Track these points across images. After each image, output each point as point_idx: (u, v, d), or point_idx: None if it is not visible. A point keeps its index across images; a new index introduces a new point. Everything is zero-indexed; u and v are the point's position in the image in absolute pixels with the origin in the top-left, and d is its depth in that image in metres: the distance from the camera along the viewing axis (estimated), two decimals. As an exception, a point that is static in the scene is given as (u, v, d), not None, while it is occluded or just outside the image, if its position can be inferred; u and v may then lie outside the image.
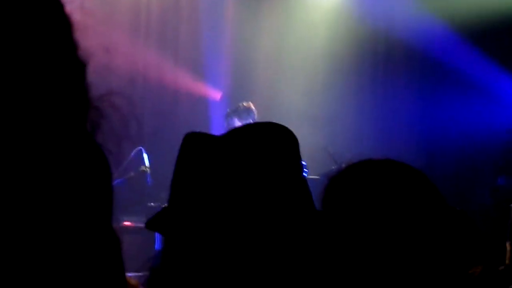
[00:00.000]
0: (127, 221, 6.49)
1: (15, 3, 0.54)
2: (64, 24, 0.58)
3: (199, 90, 8.24)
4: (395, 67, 8.42)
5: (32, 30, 0.54)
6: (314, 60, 8.25)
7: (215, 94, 8.33)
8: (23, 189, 0.52)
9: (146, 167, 6.43)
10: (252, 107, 6.54)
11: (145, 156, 6.46)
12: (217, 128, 7.42)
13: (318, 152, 7.36)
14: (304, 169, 6.17)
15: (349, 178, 1.35)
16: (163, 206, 1.34)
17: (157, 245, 6.05)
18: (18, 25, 0.53)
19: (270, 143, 1.30)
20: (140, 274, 1.37)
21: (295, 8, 8.36)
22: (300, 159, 1.34)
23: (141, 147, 6.46)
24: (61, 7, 0.58)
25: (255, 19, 8.18)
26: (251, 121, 6.44)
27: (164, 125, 7.86)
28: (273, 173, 1.27)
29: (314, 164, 6.91)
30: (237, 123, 6.37)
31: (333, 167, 6.54)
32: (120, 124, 0.62)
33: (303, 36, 8.34)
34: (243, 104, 6.54)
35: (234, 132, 1.32)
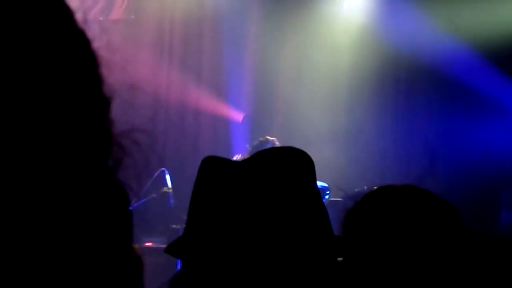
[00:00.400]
0: (149, 242, 6.50)
1: (42, 38, 0.55)
2: (90, 59, 0.60)
3: (222, 111, 8.27)
4: (417, 87, 8.39)
5: (58, 66, 0.55)
6: (336, 80, 8.25)
7: (237, 116, 8.36)
8: (42, 221, 0.53)
9: (168, 188, 6.45)
10: (271, 139, 6.59)
11: (168, 177, 6.49)
12: (239, 149, 7.43)
13: (339, 172, 7.34)
14: (326, 191, 6.14)
15: (371, 205, 1.35)
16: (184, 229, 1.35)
17: (179, 267, 6.04)
18: (45, 61, 0.55)
19: (287, 168, 1.29)
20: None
21: (317, 29, 8.37)
22: (316, 183, 1.34)
23: (164, 168, 6.49)
24: (87, 42, 0.60)
25: (277, 41, 8.21)
26: None
27: (186, 146, 7.89)
28: (291, 199, 1.26)
29: (337, 182, 6.88)
30: None
31: (355, 189, 6.52)
32: (141, 161, 0.63)
33: (325, 57, 8.34)
34: (268, 138, 6.60)
35: (252, 157, 1.32)
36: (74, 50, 0.58)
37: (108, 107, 0.60)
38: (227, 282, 1.21)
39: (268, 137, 6.70)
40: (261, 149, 5.44)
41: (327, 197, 6.53)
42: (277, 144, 6.70)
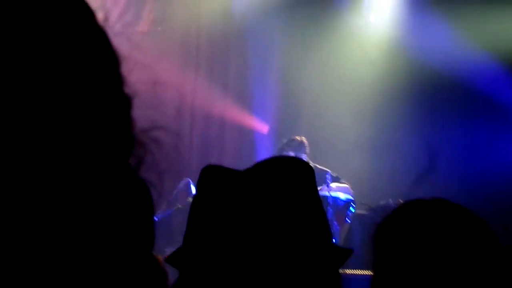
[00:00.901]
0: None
1: (64, 37, 0.55)
2: (111, 58, 0.60)
3: (247, 122, 8.29)
4: (444, 98, 8.32)
5: (79, 65, 0.55)
6: (362, 92, 8.21)
7: (262, 127, 8.37)
8: (65, 221, 0.53)
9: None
10: (305, 141, 6.72)
11: (193, 187, 6.50)
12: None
13: (365, 183, 7.30)
14: (352, 204, 6.12)
15: (401, 220, 1.33)
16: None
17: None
18: (65, 59, 0.55)
19: (287, 178, 1.28)
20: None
21: (343, 41, 8.36)
22: (317, 193, 1.32)
23: (189, 179, 6.51)
24: (108, 41, 0.60)
25: (302, 53, 8.21)
26: (304, 154, 6.61)
27: (211, 156, 7.91)
28: (290, 208, 1.25)
29: (362, 193, 6.85)
30: (291, 155, 6.55)
31: (380, 202, 6.48)
32: (162, 158, 0.63)
33: (350, 69, 8.33)
34: (296, 138, 6.75)
35: (253, 166, 1.31)
36: (95, 49, 0.58)
37: (129, 106, 0.60)
38: None
39: (297, 137, 6.78)
40: (287, 148, 5.53)
41: (352, 210, 6.50)
42: (305, 142, 6.75)
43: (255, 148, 8.22)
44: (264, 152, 7.85)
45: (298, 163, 1.33)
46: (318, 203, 1.30)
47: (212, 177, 1.27)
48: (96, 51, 0.57)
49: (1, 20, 0.52)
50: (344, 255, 1.29)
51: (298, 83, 8.29)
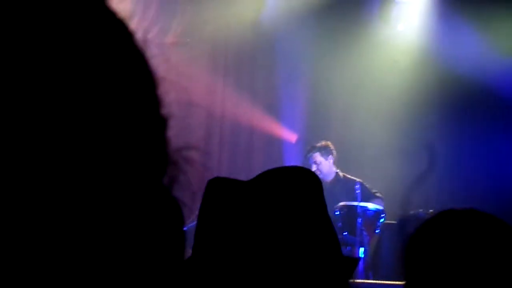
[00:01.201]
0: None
1: (103, 57, 0.56)
2: (149, 79, 0.61)
3: (275, 131, 8.30)
4: (474, 106, 8.25)
5: (118, 86, 0.56)
6: (391, 100, 8.17)
7: (290, 136, 8.36)
8: (101, 237, 0.54)
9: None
10: (331, 146, 6.87)
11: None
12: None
13: (394, 191, 7.25)
14: (381, 215, 6.07)
15: (434, 231, 1.32)
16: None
17: None
18: (105, 80, 0.56)
19: (293, 188, 1.27)
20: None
21: (371, 50, 8.34)
22: (324, 203, 1.31)
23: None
24: (146, 62, 0.61)
25: (330, 62, 8.20)
26: (331, 158, 6.66)
27: (239, 166, 7.93)
28: (297, 219, 1.24)
29: (392, 201, 6.81)
30: (319, 157, 6.78)
31: (411, 212, 6.42)
32: (195, 179, 0.64)
33: (379, 77, 8.30)
34: (322, 142, 6.89)
35: (258, 177, 1.31)
36: (133, 70, 0.59)
37: (165, 127, 0.61)
38: None
39: (323, 142, 6.86)
40: (314, 151, 5.54)
41: (382, 220, 6.45)
42: (331, 146, 6.79)
43: (284, 157, 8.21)
44: (293, 162, 7.84)
45: (304, 172, 1.32)
46: (324, 213, 1.29)
47: (218, 189, 1.27)
48: (135, 72, 0.58)
49: (41, 40, 0.53)
50: (351, 264, 1.28)
51: (327, 92, 8.28)
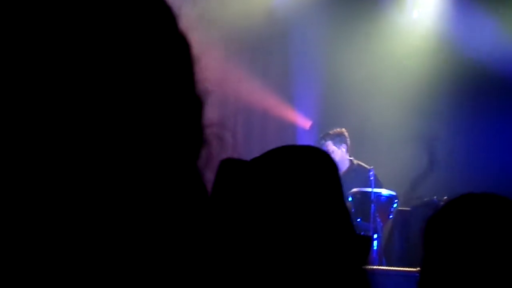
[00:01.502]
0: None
1: (146, 38, 0.57)
2: (189, 61, 0.62)
3: (289, 118, 8.28)
4: (490, 93, 8.19)
5: (158, 68, 0.57)
6: (407, 87, 8.13)
7: (304, 122, 8.35)
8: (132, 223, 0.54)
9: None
10: (345, 133, 6.64)
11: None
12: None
13: (409, 179, 7.23)
14: (394, 200, 6.03)
15: (454, 214, 1.31)
16: None
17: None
18: (146, 60, 0.56)
19: (307, 168, 1.26)
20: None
21: (386, 36, 8.29)
22: (340, 184, 1.30)
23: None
24: (188, 45, 0.62)
25: (345, 48, 8.16)
26: (344, 146, 6.55)
27: (253, 154, 7.92)
28: (312, 200, 1.23)
29: (408, 188, 6.79)
30: (331, 146, 6.56)
31: (425, 199, 6.40)
32: (222, 156, 0.64)
33: (393, 64, 8.26)
34: (336, 129, 6.66)
35: (270, 156, 1.30)
36: (175, 52, 0.60)
37: (201, 108, 0.62)
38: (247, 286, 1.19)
39: (337, 129, 6.67)
40: (327, 138, 5.41)
41: (395, 205, 6.43)
42: (345, 134, 6.66)
43: (297, 144, 8.19)
44: (306, 148, 7.83)
45: (320, 153, 1.32)
46: (339, 194, 1.28)
47: (231, 169, 1.27)
48: (177, 52, 0.59)
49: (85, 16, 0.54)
50: (366, 243, 1.28)
51: (341, 79, 8.25)
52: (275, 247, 1.19)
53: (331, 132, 6.71)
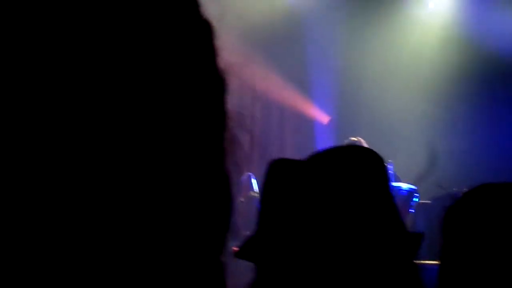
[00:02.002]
0: (236, 246, 6.56)
1: (172, 32, 0.57)
2: (212, 48, 0.62)
3: (307, 113, 8.27)
4: (504, 84, 8.14)
5: (181, 57, 0.56)
6: (423, 79, 8.10)
7: (323, 117, 8.33)
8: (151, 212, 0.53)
9: (255, 192, 6.49)
10: (363, 141, 6.57)
11: (254, 181, 6.52)
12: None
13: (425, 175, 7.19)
14: (415, 194, 5.99)
15: (474, 203, 1.30)
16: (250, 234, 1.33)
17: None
18: (169, 51, 0.56)
19: (357, 166, 1.26)
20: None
21: (402, 29, 8.27)
22: (388, 182, 1.30)
23: (249, 173, 6.54)
24: (210, 31, 0.62)
25: (362, 41, 8.14)
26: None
27: (271, 150, 7.93)
28: (361, 198, 1.23)
29: (425, 182, 6.76)
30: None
31: (445, 192, 6.36)
32: (247, 146, 0.63)
33: (410, 56, 8.22)
34: (352, 139, 6.60)
35: (320, 156, 1.30)
36: (198, 37, 0.60)
37: (224, 91, 0.61)
38: (301, 284, 1.19)
39: (353, 138, 6.63)
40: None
41: (415, 199, 6.40)
42: (364, 144, 6.64)
43: (315, 139, 8.18)
44: (324, 143, 7.82)
45: (369, 152, 1.32)
46: (388, 193, 1.28)
47: (281, 169, 1.27)
48: (199, 39, 0.59)
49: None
50: (416, 240, 1.27)
51: (359, 71, 8.23)
52: (333, 244, 1.19)
53: (346, 142, 6.62)
